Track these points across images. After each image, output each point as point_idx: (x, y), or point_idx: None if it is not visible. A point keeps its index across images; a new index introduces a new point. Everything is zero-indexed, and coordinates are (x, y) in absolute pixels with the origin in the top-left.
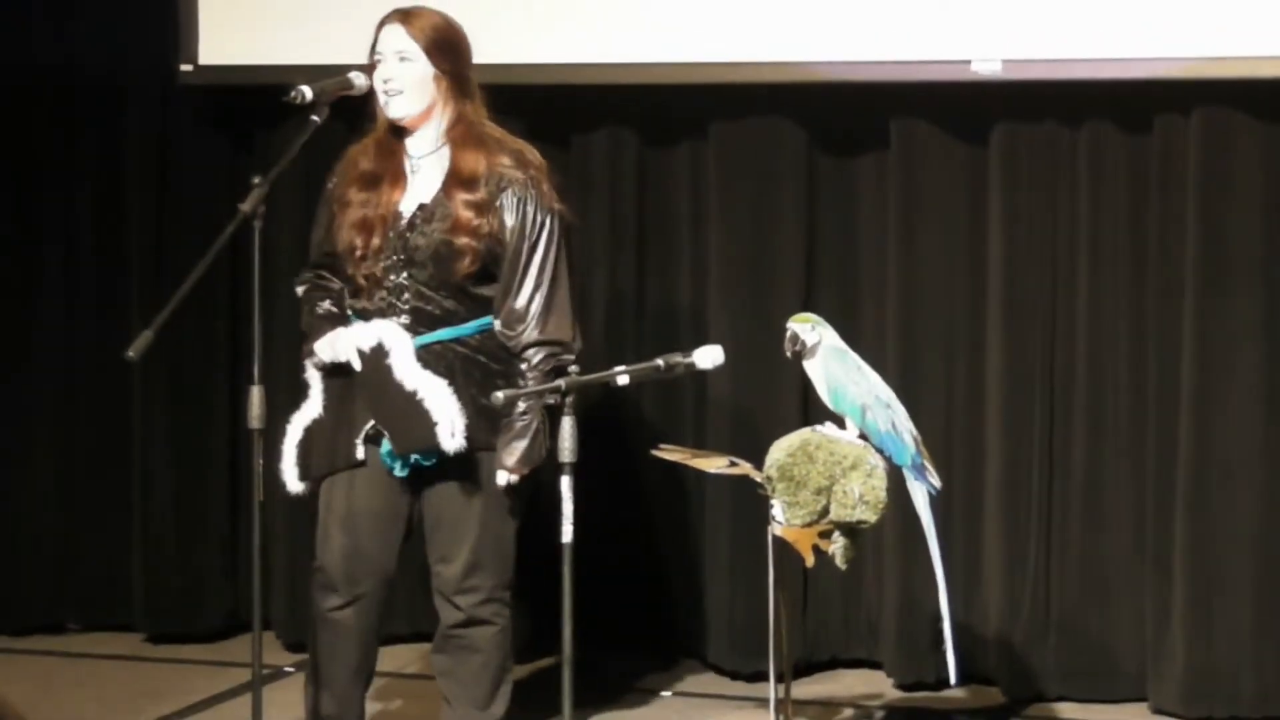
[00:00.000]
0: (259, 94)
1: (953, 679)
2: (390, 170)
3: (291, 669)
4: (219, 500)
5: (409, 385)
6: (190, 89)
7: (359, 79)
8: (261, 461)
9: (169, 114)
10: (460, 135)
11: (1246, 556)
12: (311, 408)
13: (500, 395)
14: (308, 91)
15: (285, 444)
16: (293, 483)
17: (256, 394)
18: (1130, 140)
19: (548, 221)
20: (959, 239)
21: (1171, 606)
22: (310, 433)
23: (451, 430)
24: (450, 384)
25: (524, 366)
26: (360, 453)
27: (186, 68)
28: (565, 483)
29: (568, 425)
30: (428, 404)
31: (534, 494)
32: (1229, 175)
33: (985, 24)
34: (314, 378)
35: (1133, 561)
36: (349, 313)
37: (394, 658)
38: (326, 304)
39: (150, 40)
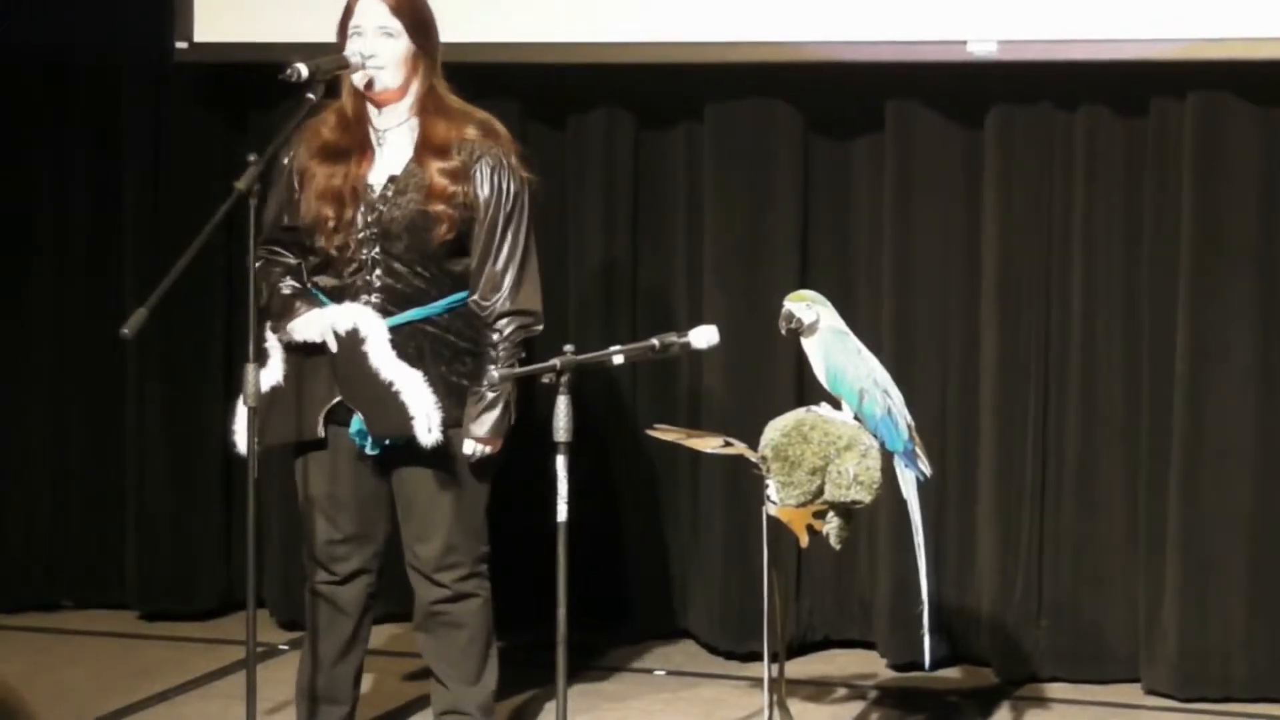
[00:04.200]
0: (254, 71)
1: (926, 663)
2: (357, 142)
3: (285, 647)
4: (214, 478)
5: (385, 375)
6: (185, 67)
7: (355, 55)
8: (257, 440)
9: (163, 92)
10: (430, 107)
11: (1240, 539)
12: (270, 375)
13: (495, 374)
14: (303, 69)
15: (239, 405)
16: (244, 445)
17: (251, 372)
18: (1125, 123)
19: (519, 192)
20: (954, 221)
21: (1164, 589)
22: (267, 399)
23: (429, 426)
24: (421, 368)
25: (495, 336)
26: (321, 430)
27: (181, 45)
28: (561, 462)
29: (563, 405)
30: (404, 397)
31: (504, 461)
32: (1224, 158)
33: (981, 5)
34: (275, 346)
35: (1126, 544)
36: (312, 290)
37: (389, 635)
38: (289, 280)
39: (145, 17)
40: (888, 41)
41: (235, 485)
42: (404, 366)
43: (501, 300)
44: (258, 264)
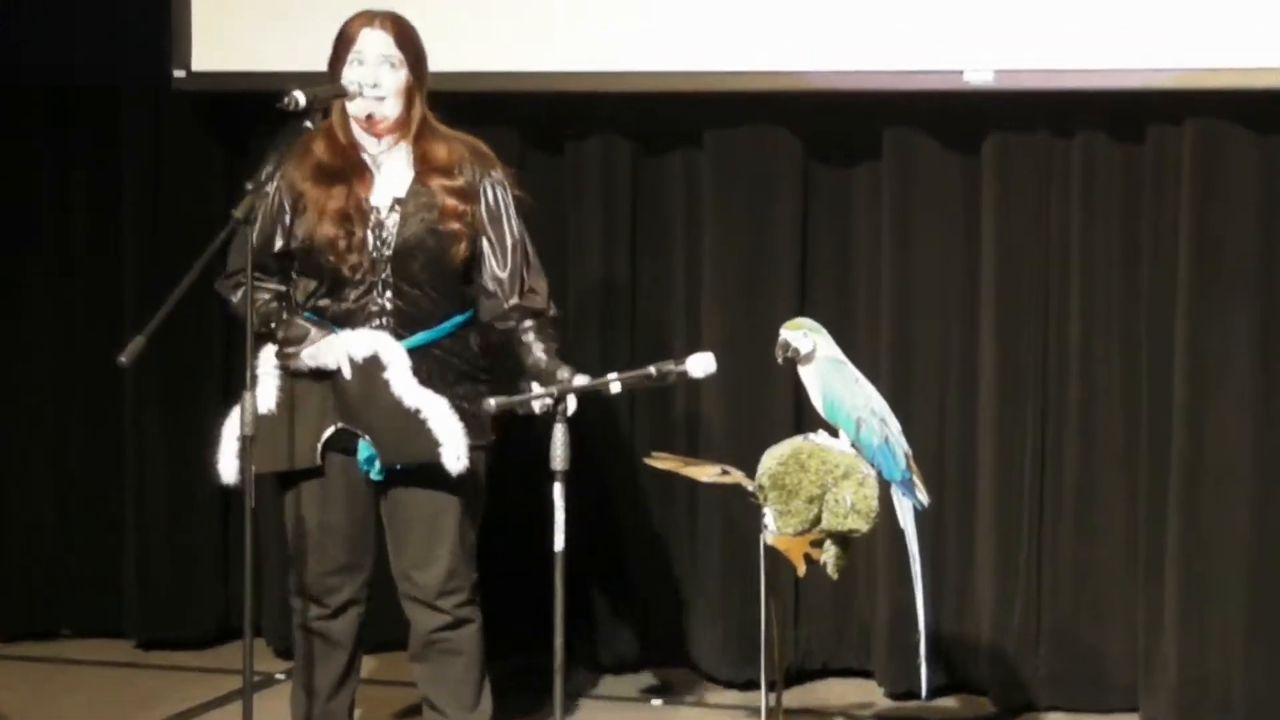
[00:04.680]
0: (252, 99)
1: (923, 693)
2: (352, 165)
3: (283, 676)
4: (211, 506)
5: (409, 402)
6: (183, 95)
7: (352, 85)
8: (254, 468)
9: (162, 120)
10: (424, 132)
11: (1239, 566)
12: (261, 402)
13: (492, 403)
14: (301, 97)
15: (226, 431)
16: (229, 474)
17: (249, 400)
18: (1123, 150)
19: (518, 207)
20: (952, 248)
21: (1163, 616)
22: (257, 427)
23: (457, 453)
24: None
25: (550, 331)
26: (319, 457)
27: (179, 73)
28: (558, 490)
29: (560, 432)
30: (431, 424)
31: (498, 485)
32: (1221, 185)
33: (978, 33)
34: (269, 372)
35: (1124, 571)
36: (307, 315)
37: (373, 666)
38: (283, 305)
39: (144, 46)
40: (885, 71)
41: (233, 513)
42: (429, 393)
43: (539, 291)
44: (240, 290)
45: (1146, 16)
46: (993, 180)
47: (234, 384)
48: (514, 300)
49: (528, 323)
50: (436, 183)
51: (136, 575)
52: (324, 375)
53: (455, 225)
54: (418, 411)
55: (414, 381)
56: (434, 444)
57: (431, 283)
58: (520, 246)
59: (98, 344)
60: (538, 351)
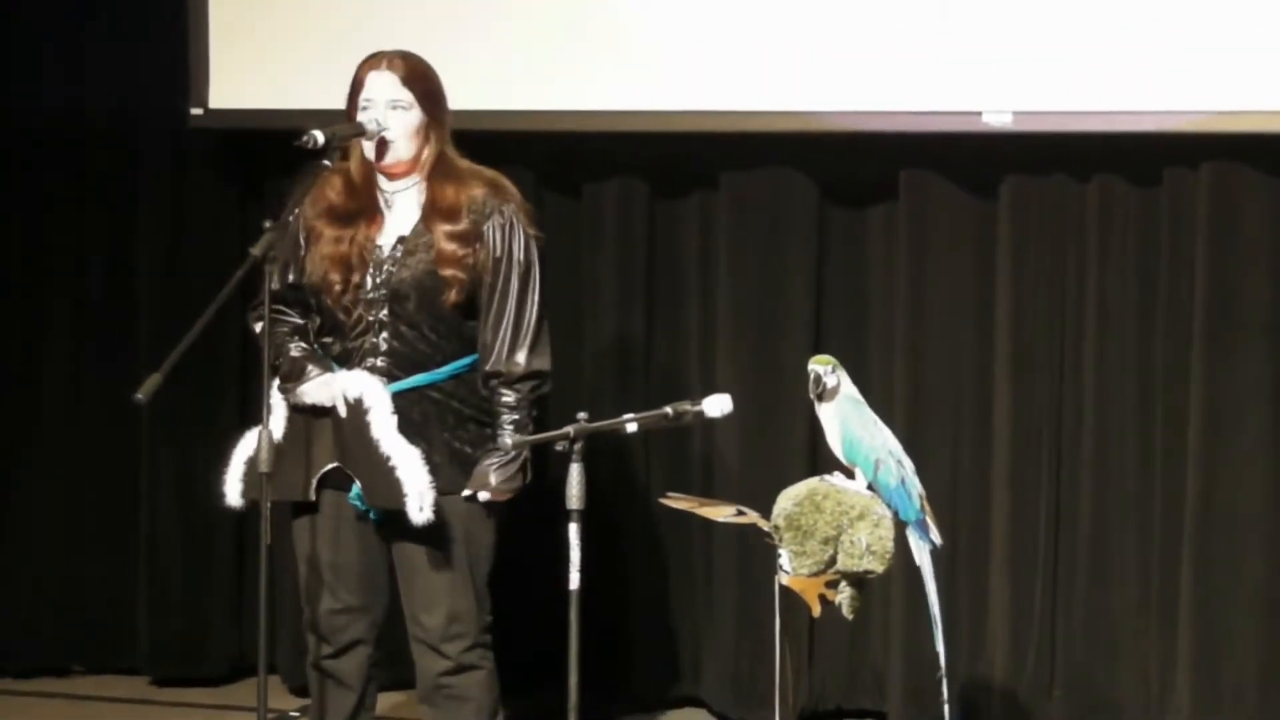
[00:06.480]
0: (270, 138)
1: None
2: (364, 206)
3: (296, 713)
4: (225, 543)
5: (384, 448)
6: (200, 132)
7: (371, 124)
8: (270, 505)
9: (180, 159)
10: (438, 171)
11: (1253, 613)
12: (273, 429)
13: (509, 441)
14: (319, 135)
15: (235, 455)
16: (234, 496)
17: (265, 437)
18: (1139, 194)
19: (530, 251)
20: (967, 291)
21: (1177, 662)
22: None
23: (420, 504)
24: (426, 434)
25: (514, 398)
26: (313, 493)
27: (197, 111)
28: (573, 530)
29: (576, 472)
30: (399, 473)
31: (511, 526)
32: (1237, 229)
33: (996, 76)
34: (278, 405)
35: (1138, 616)
36: (318, 351)
37: (399, 701)
38: (298, 341)
39: (162, 85)
40: (903, 111)
41: (247, 550)
42: (402, 442)
43: (519, 363)
44: (261, 324)
45: (1164, 60)
46: (1009, 223)
47: (248, 418)
48: (491, 367)
49: (503, 390)
50: (439, 227)
51: (150, 611)
52: (324, 412)
53: (450, 271)
54: (389, 459)
55: (392, 429)
56: (400, 493)
57: (430, 324)
58: (515, 306)
59: (112, 380)
60: (503, 421)
